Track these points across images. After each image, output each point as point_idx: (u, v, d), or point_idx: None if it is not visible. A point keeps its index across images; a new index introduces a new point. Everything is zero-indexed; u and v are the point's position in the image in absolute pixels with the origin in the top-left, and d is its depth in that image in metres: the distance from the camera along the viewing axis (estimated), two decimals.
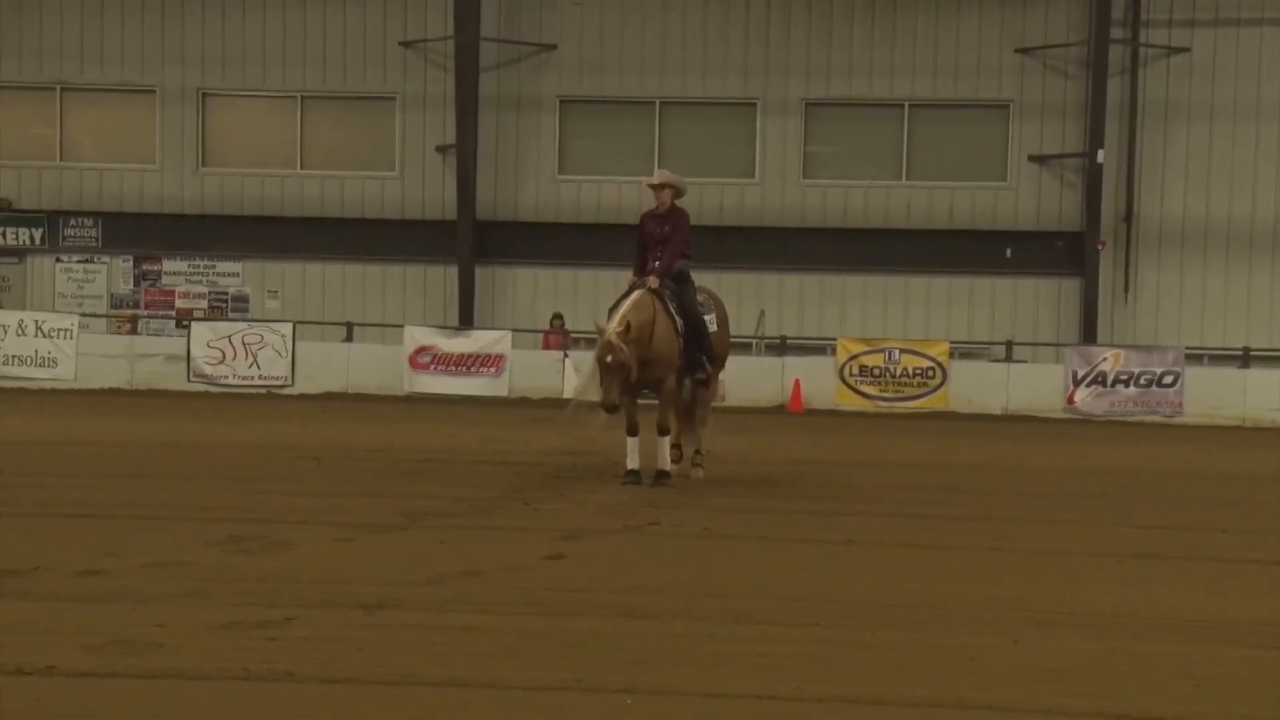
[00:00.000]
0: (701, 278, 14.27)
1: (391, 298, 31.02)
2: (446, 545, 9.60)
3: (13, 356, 27.23)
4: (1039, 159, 30.01)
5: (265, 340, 27.45)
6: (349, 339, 28.26)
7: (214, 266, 31.51)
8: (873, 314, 30.25)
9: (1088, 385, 26.41)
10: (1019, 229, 30.06)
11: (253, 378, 27.33)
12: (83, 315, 29.27)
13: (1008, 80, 30.02)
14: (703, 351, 13.80)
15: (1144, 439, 22.22)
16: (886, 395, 26.70)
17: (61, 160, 31.58)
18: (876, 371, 26.80)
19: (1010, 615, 7.65)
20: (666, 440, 13.63)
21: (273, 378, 27.33)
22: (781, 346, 28.38)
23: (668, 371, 13.51)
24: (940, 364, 26.72)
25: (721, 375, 15.27)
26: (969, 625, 7.39)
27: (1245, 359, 27.28)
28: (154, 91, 31.35)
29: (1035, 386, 26.74)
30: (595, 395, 13.18)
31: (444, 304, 30.76)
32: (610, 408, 12.90)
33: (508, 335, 27.72)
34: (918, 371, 26.69)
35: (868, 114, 30.55)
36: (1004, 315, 30.09)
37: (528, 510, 11.53)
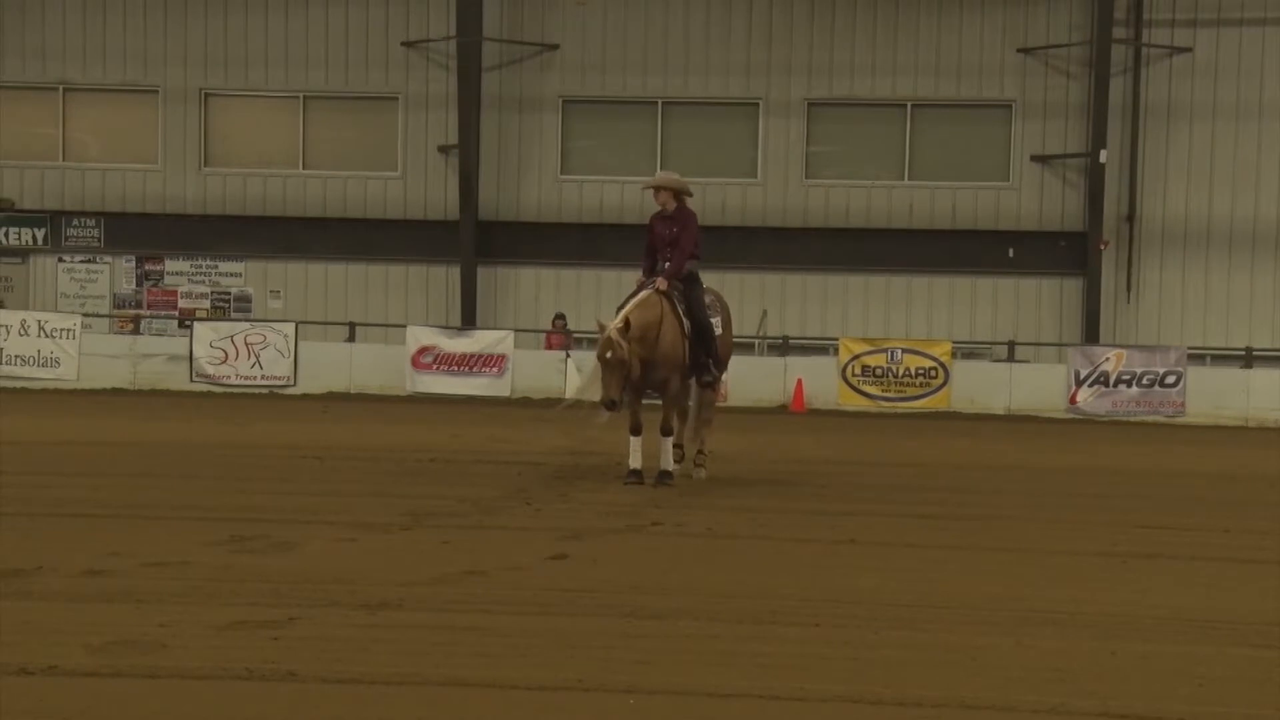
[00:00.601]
0: (704, 278, 14.27)
1: (394, 298, 31.02)
2: (449, 545, 9.60)
3: (15, 356, 27.25)
4: (1041, 159, 30.00)
5: (268, 340, 27.46)
6: (351, 339, 28.28)
7: (216, 266, 31.52)
8: (875, 314, 30.24)
9: (1090, 385, 26.40)
10: (1021, 229, 30.05)
11: (255, 378, 27.34)
12: (85, 315, 29.28)
13: (1010, 80, 30.02)
14: (709, 355, 13.81)
15: (1146, 439, 22.21)
16: (889, 395, 26.70)
17: (64, 160, 31.59)
18: (879, 371, 26.79)
19: (1013, 615, 7.65)
20: (669, 441, 13.64)
21: (275, 378, 27.34)
22: (784, 346, 28.37)
23: (673, 373, 13.52)
24: (942, 364, 26.71)
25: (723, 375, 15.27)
26: (972, 625, 7.39)
27: (1248, 359, 27.28)
28: (156, 91, 31.36)
29: (1038, 386, 26.73)
30: (597, 394, 13.20)
31: (446, 304, 30.77)
32: (609, 404, 12.92)
33: (510, 335, 27.73)
34: (920, 371, 26.69)
35: (870, 114, 30.54)
36: (1006, 315, 30.09)
37: (530, 510, 11.53)
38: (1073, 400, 26.41)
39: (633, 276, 14.44)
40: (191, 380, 27.26)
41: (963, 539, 10.63)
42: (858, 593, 8.20)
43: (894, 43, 30.16)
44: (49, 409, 21.85)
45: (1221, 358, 28.40)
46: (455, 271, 30.42)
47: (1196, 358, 27.62)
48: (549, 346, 28.68)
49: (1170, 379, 26.30)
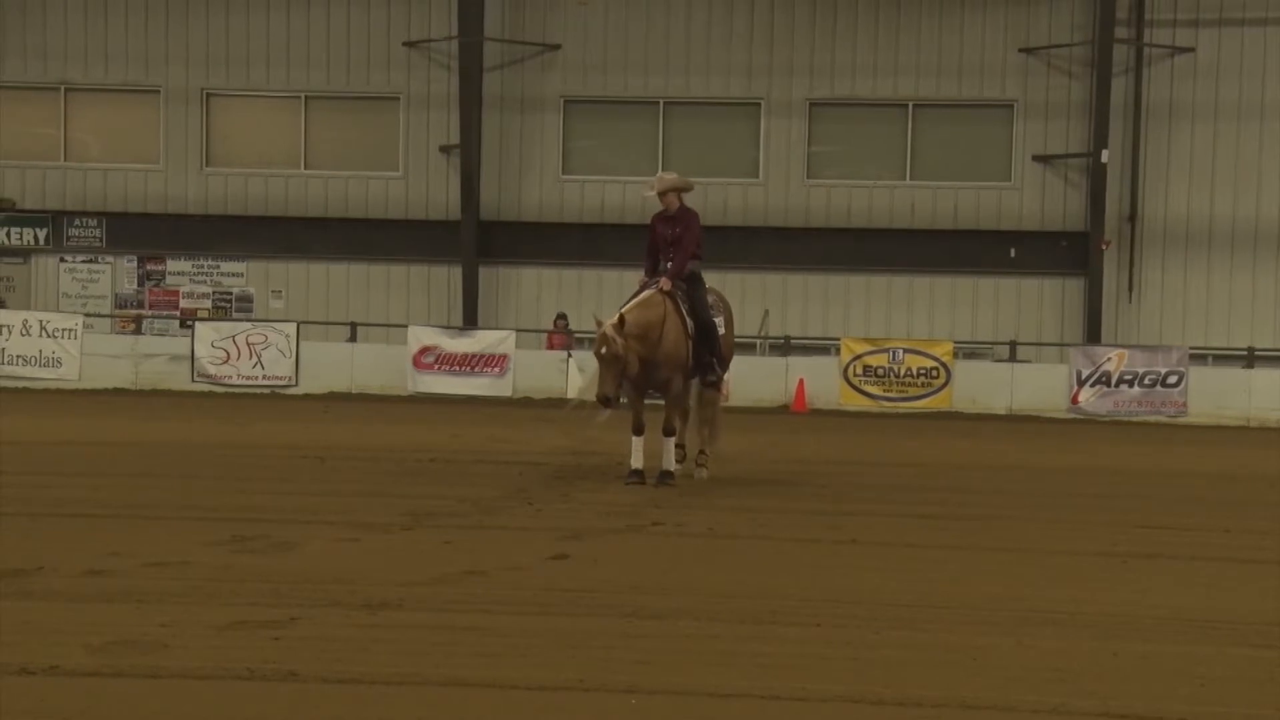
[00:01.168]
0: (706, 278, 14.26)
1: (395, 298, 31.04)
2: (450, 545, 9.60)
3: (17, 356, 27.28)
4: (1043, 159, 30.00)
5: (269, 340, 27.48)
6: (353, 339, 28.29)
7: (218, 266, 31.53)
8: (877, 314, 30.24)
9: (1092, 385, 26.39)
10: (1023, 229, 30.05)
11: (257, 378, 27.36)
12: (87, 315, 29.31)
13: (1012, 80, 30.02)
14: (713, 354, 13.80)
15: (1148, 439, 22.21)
16: (890, 395, 26.70)
17: (66, 160, 31.62)
18: (880, 371, 26.80)
19: (1014, 615, 7.65)
20: (671, 441, 13.64)
21: (277, 378, 27.36)
22: (785, 346, 28.38)
23: (676, 373, 13.52)
24: (944, 364, 26.71)
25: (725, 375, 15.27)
26: (972, 625, 7.39)
27: (1249, 359, 27.28)
28: (158, 91, 31.38)
29: (1039, 386, 26.74)
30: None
31: (448, 304, 30.78)
32: (605, 401, 12.92)
33: (511, 335, 27.74)
34: (922, 371, 26.69)
35: (872, 114, 30.54)
36: (1008, 315, 30.08)
37: (531, 510, 11.53)
38: (1075, 400, 26.41)
39: (634, 277, 14.45)
40: (193, 380, 27.28)
41: (963, 539, 10.63)
42: (858, 593, 8.20)
43: (895, 43, 30.16)
44: (50, 409, 21.86)
45: (1223, 358, 28.39)
46: (457, 271, 30.43)
47: (1198, 358, 27.62)
48: (550, 347, 28.68)
49: (1172, 379, 26.29)
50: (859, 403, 26.63)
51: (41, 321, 27.76)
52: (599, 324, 13.16)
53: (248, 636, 6.73)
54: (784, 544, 10.17)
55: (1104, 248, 29.35)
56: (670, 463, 13.54)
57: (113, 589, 7.75)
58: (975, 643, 6.97)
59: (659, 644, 6.80)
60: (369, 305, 30.82)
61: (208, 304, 31.50)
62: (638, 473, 13.30)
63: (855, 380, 26.80)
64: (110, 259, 31.65)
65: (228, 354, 27.43)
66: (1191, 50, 29.42)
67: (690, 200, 14.13)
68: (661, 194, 13.77)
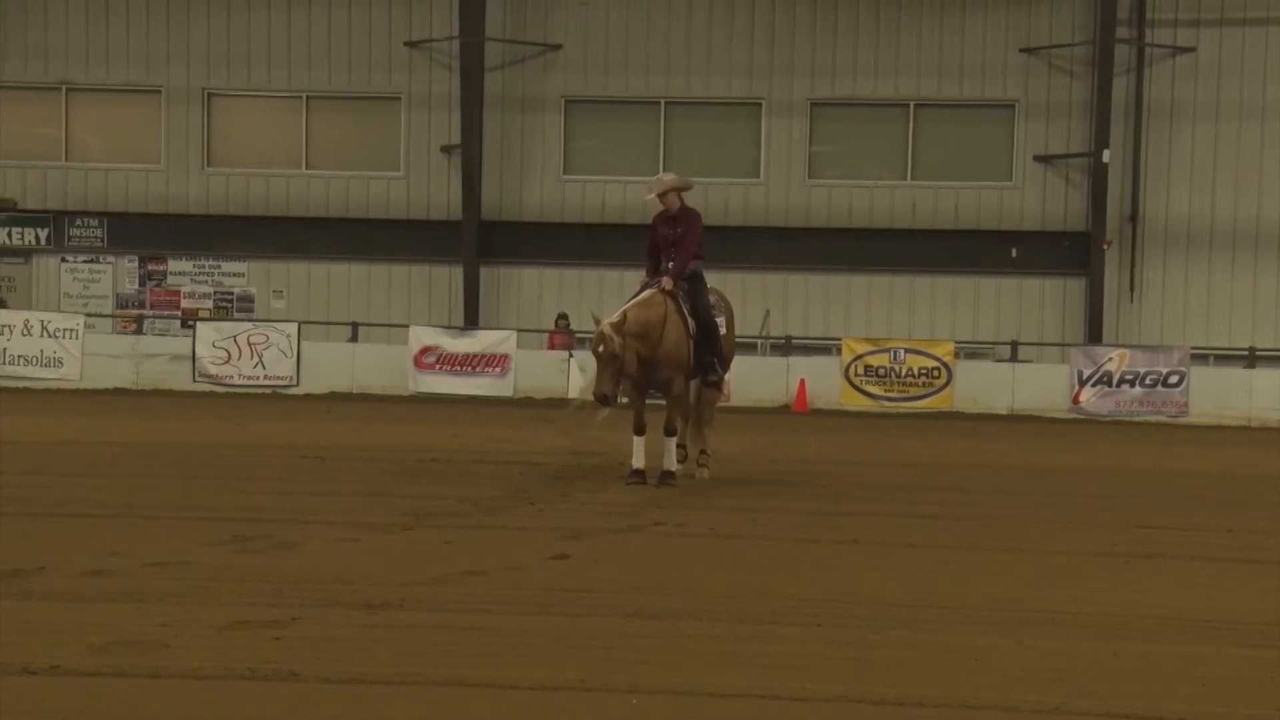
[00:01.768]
0: (707, 278, 14.25)
1: (396, 298, 31.04)
2: (451, 545, 9.60)
3: (18, 356, 27.28)
4: (1044, 159, 30.00)
5: (270, 340, 27.49)
6: (354, 339, 28.29)
7: (219, 266, 31.54)
8: (878, 314, 30.24)
9: (1093, 385, 26.39)
10: (1024, 229, 30.05)
11: (258, 378, 27.36)
12: (88, 315, 29.30)
13: (1013, 80, 30.01)
14: (714, 354, 13.80)
15: (1149, 439, 22.20)
16: (891, 395, 26.70)
17: (67, 160, 31.62)
18: (881, 371, 26.80)
19: (1013, 615, 7.65)
20: (673, 441, 13.64)
21: (278, 378, 27.36)
22: (786, 346, 28.38)
23: (677, 373, 13.50)
24: (945, 364, 26.71)
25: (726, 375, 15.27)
26: (973, 625, 7.39)
27: (1251, 359, 27.27)
28: (159, 91, 31.39)
29: (1040, 386, 26.74)
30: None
31: (449, 304, 30.78)
32: (602, 399, 12.92)
33: (512, 335, 27.74)
34: (923, 371, 26.69)
35: (873, 114, 30.54)
36: (1009, 315, 30.08)
37: (532, 510, 11.53)
38: (1076, 400, 26.40)
39: (635, 276, 14.45)
40: (194, 380, 27.28)
41: (963, 539, 10.63)
42: (858, 593, 8.20)
43: (897, 42, 30.16)
44: (51, 409, 21.86)
45: (1224, 358, 28.38)
46: (458, 271, 30.43)
47: (1199, 358, 27.61)
48: (551, 347, 28.68)
49: (1173, 379, 26.29)
50: (860, 403, 26.63)
51: (43, 321, 27.77)
52: (597, 323, 13.16)
53: (248, 636, 6.73)
54: (784, 544, 10.17)
55: (1105, 248, 29.34)
56: (671, 463, 13.53)
57: (113, 589, 7.76)
58: (975, 643, 6.97)
59: (659, 644, 6.80)
60: (370, 305, 30.82)
61: (209, 304, 31.51)
62: (639, 473, 13.29)
63: (856, 380, 26.79)
64: (111, 259, 31.65)
65: (229, 354, 27.43)
66: (1193, 50, 29.42)
67: (691, 200, 14.12)
68: (661, 195, 13.77)
